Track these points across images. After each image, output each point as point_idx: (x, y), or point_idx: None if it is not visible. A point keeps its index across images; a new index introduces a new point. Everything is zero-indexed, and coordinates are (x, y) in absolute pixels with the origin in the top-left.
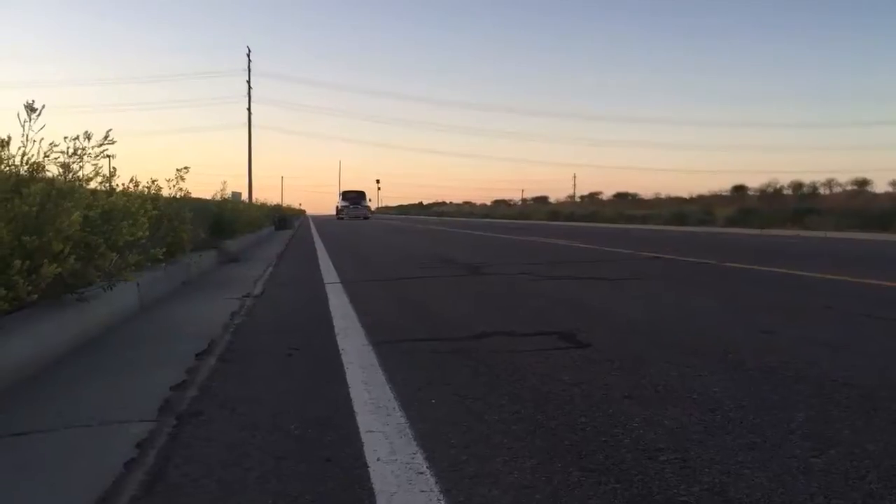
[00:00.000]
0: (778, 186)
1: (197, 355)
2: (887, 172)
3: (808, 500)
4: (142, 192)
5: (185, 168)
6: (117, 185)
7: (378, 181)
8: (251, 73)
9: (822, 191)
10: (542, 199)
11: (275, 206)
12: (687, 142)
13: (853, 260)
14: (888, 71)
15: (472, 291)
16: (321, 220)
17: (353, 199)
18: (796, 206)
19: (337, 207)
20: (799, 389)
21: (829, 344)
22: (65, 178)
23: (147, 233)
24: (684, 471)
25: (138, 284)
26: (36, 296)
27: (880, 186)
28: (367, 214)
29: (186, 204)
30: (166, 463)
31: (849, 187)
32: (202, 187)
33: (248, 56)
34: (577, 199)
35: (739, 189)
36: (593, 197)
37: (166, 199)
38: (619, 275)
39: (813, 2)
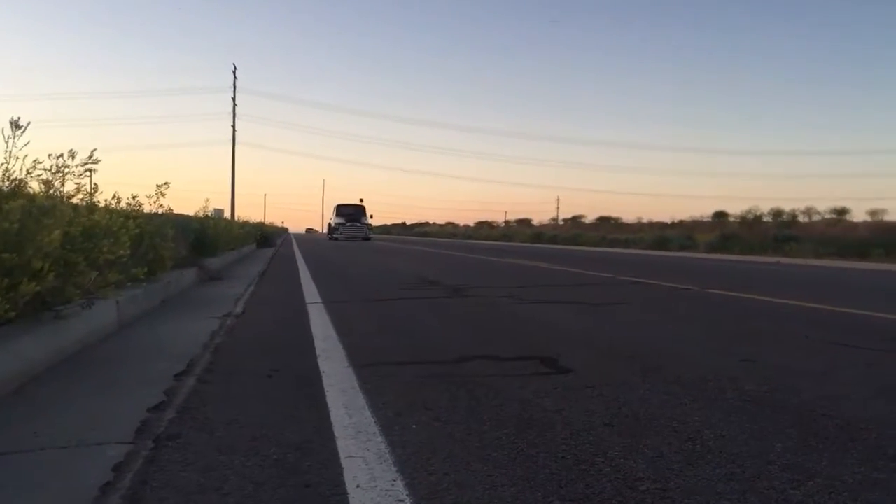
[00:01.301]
0: (758, 213)
1: (176, 375)
2: (865, 202)
3: None
4: (123, 208)
5: (166, 183)
6: (99, 200)
7: (361, 200)
8: (236, 91)
9: (801, 218)
10: (526, 222)
11: (257, 223)
12: (669, 167)
13: (832, 288)
14: (868, 102)
15: (455, 314)
16: (304, 239)
17: (350, 214)
18: (776, 233)
19: (329, 225)
20: (778, 419)
21: (807, 373)
22: (46, 194)
23: (128, 251)
24: (664, 501)
25: (118, 303)
26: (14, 314)
27: (858, 215)
28: (367, 234)
29: (168, 220)
30: (142, 487)
31: (828, 215)
32: (185, 203)
33: (234, 73)
34: (560, 222)
35: (721, 215)
36: (576, 220)
37: (147, 215)
38: (600, 299)
39: (794, 28)
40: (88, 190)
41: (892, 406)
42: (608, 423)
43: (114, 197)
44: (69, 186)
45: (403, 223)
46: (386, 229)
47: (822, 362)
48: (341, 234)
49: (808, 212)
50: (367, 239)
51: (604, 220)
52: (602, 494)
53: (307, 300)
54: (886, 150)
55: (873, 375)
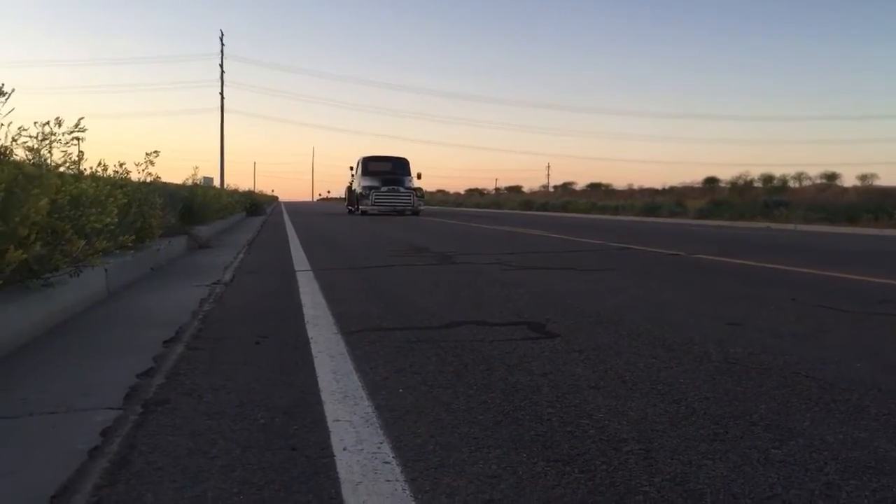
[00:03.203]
0: (749, 179)
1: (164, 342)
2: (855, 167)
3: (766, 490)
4: (110, 176)
5: (155, 152)
6: (85, 168)
7: (352, 168)
8: (224, 57)
9: (792, 184)
10: (516, 189)
11: (247, 191)
12: (660, 133)
13: (820, 252)
14: (859, 68)
15: (444, 280)
16: (294, 208)
17: (387, 173)
18: (766, 198)
19: (350, 191)
20: (762, 381)
21: (793, 336)
22: (33, 163)
23: (115, 219)
24: (647, 461)
25: (106, 270)
26: (0, 281)
27: (848, 181)
28: (415, 204)
29: (156, 189)
30: (131, 451)
31: (818, 181)
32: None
33: (222, 40)
34: (551, 189)
35: (711, 181)
36: (567, 187)
37: (135, 183)
38: (589, 265)
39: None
40: (75, 158)
41: (875, 367)
42: (594, 387)
43: (100, 164)
44: (56, 155)
45: None
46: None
47: (808, 325)
48: (373, 203)
49: (799, 177)
50: (416, 213)
51: (594, 187)
52: (586, 455)
53: (296, 268)
54: (877, 115)
55: (857, 338)
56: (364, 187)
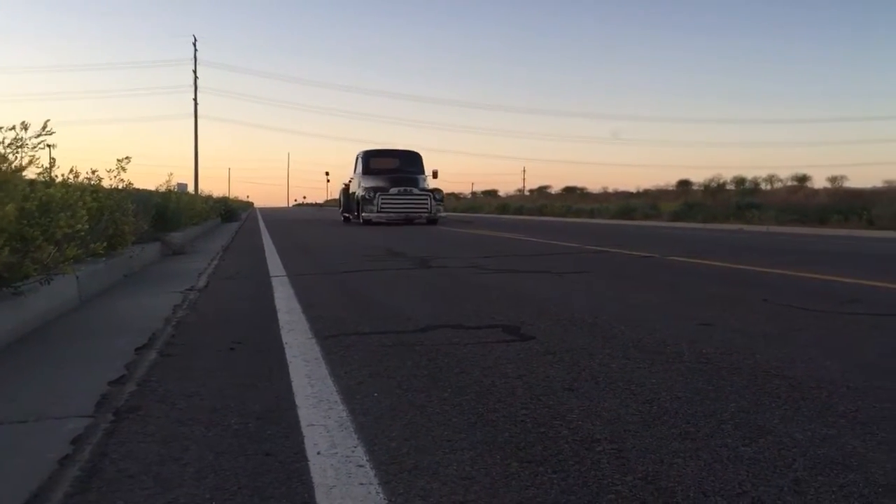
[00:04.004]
0: (721, 181)
1: (137, 349)
2: (825, 169)
3: (736, 487)
4: (81, 183)
5: (127, 158)
6: (57, 175)
7: (327, 173)
8: (197, 63)
9: (763, 186)
10: (492, 193)
11: (221, 198)
12: (634, 137)
13: (791, 253)
14: (827, 71)
15: (419, 284)
16: (270, 214)
17: (395, 171)
18: (739, 200)
19: (347, 194)
20: (733, 380)
21: (763, 336)
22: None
23: (86, 225)
24: (619, 461)
25: (77, 278)
26: None
27: (819, 182)
28: (434, 210)
29: (129, 195)
30: (102, 459)
31: (789, 183)
32: (147, 178)
33: (195, 45)
34: (527, 193)
35: (684, 184)
36: (542, 190)
37: (107, 190)
38: (564, 268)
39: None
40: (44, 164)
41: (843, 366)
42: (568, 388)
43: (71, 171)
44: (25, 160)
45: None
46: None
47: (778, 325)
48: (380, 210)
49: (771, 179)
50: (434, 221)
51: (570, 191)
52: (559, 455)
53: (271, 273)
54: (845, 118)
55: (826, 337)
56: (367, 189)
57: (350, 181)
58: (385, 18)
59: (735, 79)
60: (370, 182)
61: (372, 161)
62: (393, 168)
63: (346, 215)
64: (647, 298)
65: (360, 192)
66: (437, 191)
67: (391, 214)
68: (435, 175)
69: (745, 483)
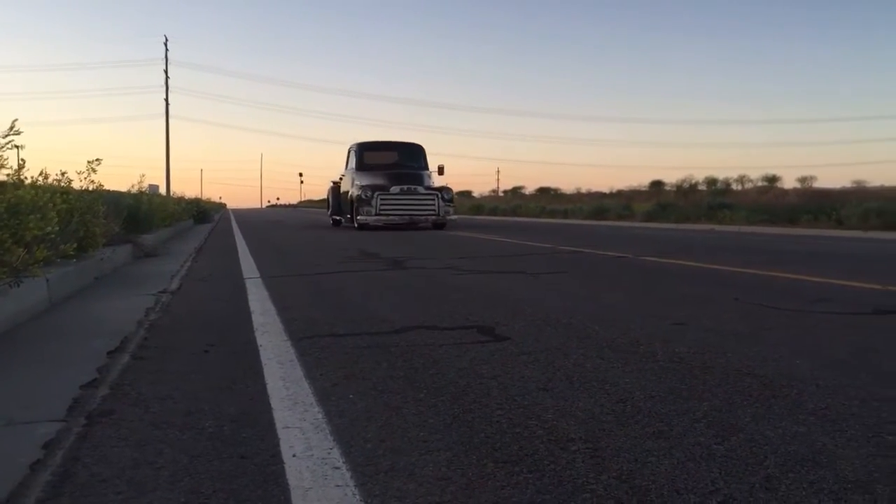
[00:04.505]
0: (693, 182)
1: (109, 353)
2: (795, 170)
3: (709, 484)
4: (51, 184)
5: (97, 160)
6: (26, 177)
7: (301, 174)
8: (169, 63)
9: (735, 187)
10: (466, 194)
11: (194, 199)
12: (607, 137)
13: (762, 253)
14: (796, 72)
15: (395, 286)
16: (243, 215)
17: (396, 166)
18: (710, 201)
19: (338, 194)
20: (706, 379)
21: (735, 335)
22: None
23: (56, 227)
24: (594, 459)
25: (48, 280)
26: None
27: (789, 183)
28: (443, 212)
29: (100, 197)
30: (75, 463)
31: (760, 183)
32: (119, 180)
33: (166, 45)
34: (501, 194)
35: (657, 184)
36: (516, 191)
37: (78, 191)
38: (539, 269)
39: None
40: (13, 165)
41: (813, 364)
42: (543, 388)
43: (41, 173)
44: None
45: None
46: (327, 204)
47: (750, 324)
48: (379, 212)
49: (742, 180)
50: (442, 225)
51: (543, 191)
52: (535, 455)
53: (245, 275)
54: (814, 119)
55: (796, 336)
56: (363, 188)
57: (341, 179)
58: (357, 19)
59: (705, 80)
60: (366, 179)
61: (367, 155)
62: (392, 163)
63: (337, 218)
64: (621, 298)
65: (354, 192)
66: (445, 189)
67: (392, 217)
68: (441, 171)
69: (718, 481)
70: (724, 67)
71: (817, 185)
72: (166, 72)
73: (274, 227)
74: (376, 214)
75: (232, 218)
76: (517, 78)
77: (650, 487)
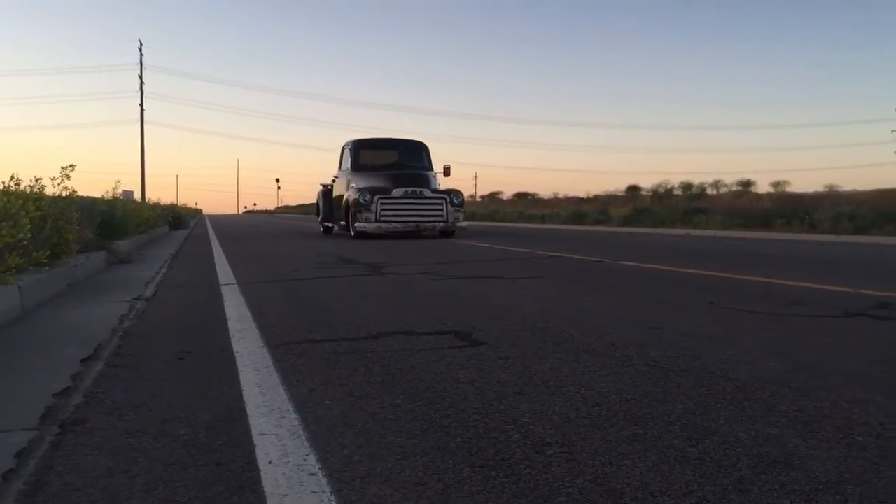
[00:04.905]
0: (669, 187)
1: (83, 360)
2: (769, 174)
3: (683, 487)
4: (24, 191)
5: (71, 166)
6: None
7: (278, 180)
8: (143, 68)
9: (710, 191)
10: None
11: (169, 205)
12: (584, 143)
13: (737, 257)
14: (769, 78)
15: (372, 291)
16: (220, 221)
17: (396, 166)
18: (686, 205)
19: (330, 198)
20: (680, 382)
21: (710, 338)
22: None
23: (29, 234)
24: (570, 463)
25: (20, 288)
26: None
27: (763, 187)
28: (451, 218)
29: (73, 203)
30: (48, 472)
31: (734, 188)
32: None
33: (140, 50)
34: (479, 199)
35: (633, 189)
36: (494, 196)
37: (51, 198)
38: (517, 274)
39: (701, 4)
40: None
41: (786, 366)
42: (519, 392)
43: (12, 178)
44: None
45: None
46: (305, 209)
47: (724, 328)
48: (380, 217)
49: (717, 185)
50: (450, 233)
51: (521, 196)
52: (511, 459)
53: (221, 281)
54: (787, 124)
55: (770, 339)
56: (361, 191)
57: (333, 181)
58: (334, 24)
59: (680, 87)
60: (365, 181)
61: (364, 154)
62: (392, 163)
63: (329, 225)
64: (598, 303)
65: (351, 195)
66: (454, 192)
67: (395, 224)
68: (447, 172)
69: (692, 483)
70: (699, 74)
71: (791, 189)
72: (141, 77)
73: (251, 232)
74: (377, 221)
75: (208, 224)
76: (493, 83)
77: (625, 490)
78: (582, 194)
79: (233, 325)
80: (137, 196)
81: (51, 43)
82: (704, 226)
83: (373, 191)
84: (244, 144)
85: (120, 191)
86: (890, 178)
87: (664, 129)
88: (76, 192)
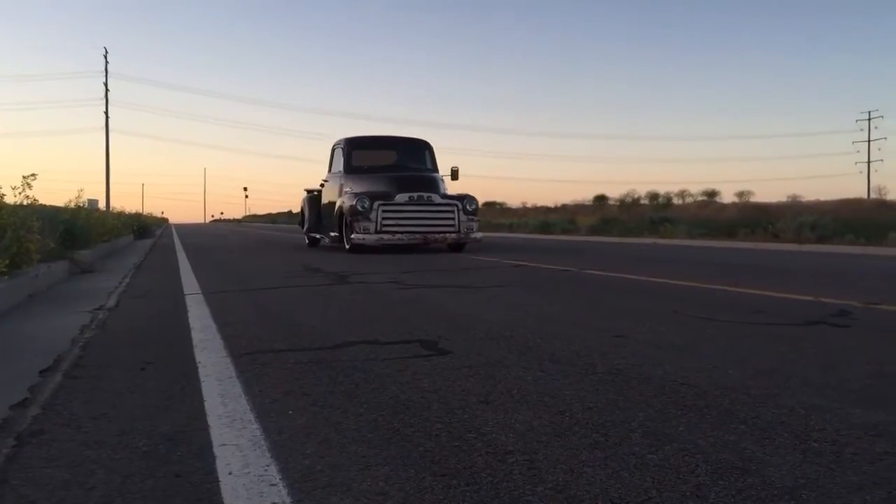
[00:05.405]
0: (636, 197)
1: (41, 372)
2: (733, 184)
3: (642, 493)
4: None
5: (33, 175)
6: None
7: (245, 189)
8: (108, 75)
9: (676, 201)
10: None
11: (134, 214)
12: (551, 153)
13: (701, 266)
14: (734, 90)
15: (338, 300)
16: (186, 230)
17: (397, 167)
18: (652, 215)
19: (319, 206)
20: (643, 390)
21: (673, 347)
22: None
23: None
24: (531, 471)
25: None
26: None
27: (727, 197)
28: (465, 228)
29: (35, 212)
30: (2, 485)
31: (700, 198)
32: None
33: (105, 57)
34: None
35: (601, 199)
36: None
37: (11, 207)
38: (483, 283)
39: (667, 15)
40: None
41: (745, 374)
42: (483, 401)
43: None
44: None
45: (290, 212)
46: (272, 218)
47: (687, 336)
48: (382, 228)
49: (682, 194)
50: (461, 246)
51: (489, 206)
52: (473, 468)
53: (186, 291)
54: (751, 135)
55: (731, 346)
56: (358, 197)
57: (323, 186)
58: (302, 32)
59: (646, 97)
60: (362, 185)
61: (359, 154)
62: (391, 164)
63: (316, 236)
64: (564, 311)
65: (346, 202)
66: (468, 198)
67: (399, 235)
68: (455, 176)
69: (651, 490)
70: (664, 85)
71: (755, 199)
72: (106, 84)
73: (215, 241)
74: (378, 231)
75: (174, 233)
76: (460, 93)
77: (584, 497)
78: (550, 204)
79: (196, 336)
80: (102, 205)
81: (12, 50)
82: (670, 235)
83: (372, 196)
84: (212, 153)
85: (83, 199)
86: (851, 189)
87: (631, 139)
88: (37, 200)
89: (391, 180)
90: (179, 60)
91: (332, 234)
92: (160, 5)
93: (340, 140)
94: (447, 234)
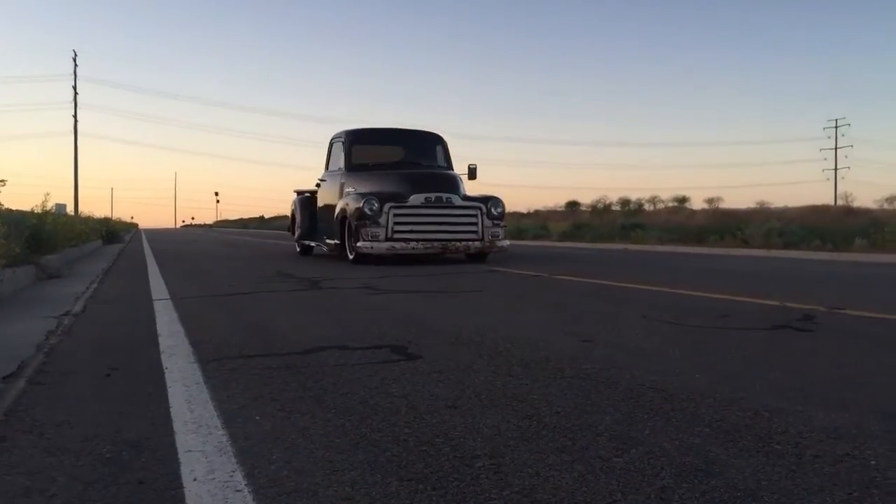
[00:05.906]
0: (607, 202)
1: (4, 378)
2: (704, 190)
3: (607, 496)
4: None
5: (2, 181)
6: None
7: (217, 194)
8: (78, 79)
9: (647, 207)
10: None
11: (103, 219)
12: (523, 158)
13: (671, 271)
14: (703, 96)
15: (309, 306)
16: (156, 236)
17: (408, 164)
18: (623, 221)
19: (314, 209)
20: (610, 394)
21: (641, 351)
22: None
23: None
24: (498, 475)
25: None
26: None
27: (697, 203)
28: (484, 236)
29: (0, 217)
30: None
31: (670, 204)
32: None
33: (75, 60)
34: None
35: (573, 205)
36: None
37: None
38: (455, 288)
39: (632, 23)
40: None
41: (711, 378)
42: (451, 406)
43: None
44: None
45: (262, 217)
46: (244, 223)
47: (654, 340)
48: (393, 234)
49: (653, 201)
50: (484, 256)
51: None
52: (440, 473)
53: (154, 296)
54: (720, 142)
55: (698, 351)
56: (365, 198)
57: (319, 186)
58: (277, 37)
59: (617, 104)
60: (368, 184)
61: (361, 150)
62: (399, 161)
63: (309, 243)
64: (534, 316)
65: (349, 204)
66: (493, 200)
67: (414, 243)
68: (472, 175)
69: (616, 493)
70: (634, 92)
71: (724, 205)
72: (75, 88)
73: (187, 247)
74: (388, 238)
75: (144, 238)
76: (433, 98)
77: (551, 501)
78: (522, 209)
79: (164, 341)
80: (70, 209)
81: None
82: (641, 241)
83: (382, 197)
84: (183, 157)
85: (51, 204)
86: (818, 196)
87: (603, 145)
88: (3, 205)
89: (403, 179)
90: (150, 64)
91: (331, 241)
92: (130, 8)
93: (340, 133)
94: (469, 242)
